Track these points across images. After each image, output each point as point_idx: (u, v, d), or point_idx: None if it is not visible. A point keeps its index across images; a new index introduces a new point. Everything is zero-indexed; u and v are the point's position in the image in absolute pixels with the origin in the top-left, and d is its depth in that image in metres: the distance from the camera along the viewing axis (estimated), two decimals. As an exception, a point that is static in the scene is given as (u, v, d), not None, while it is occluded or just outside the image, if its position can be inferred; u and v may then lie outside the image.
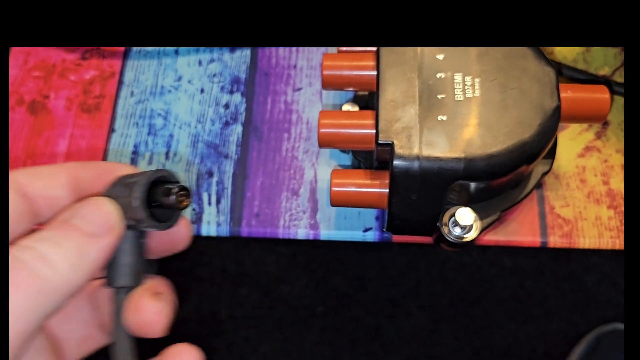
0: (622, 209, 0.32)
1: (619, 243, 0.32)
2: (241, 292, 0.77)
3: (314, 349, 0.75)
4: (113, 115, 0.36)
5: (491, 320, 0.76)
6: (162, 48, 0.37)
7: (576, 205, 0.32)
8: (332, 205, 0.29)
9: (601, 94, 0.29)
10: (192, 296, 0.77)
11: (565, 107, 0.28)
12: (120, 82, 0.37)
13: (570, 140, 0.34)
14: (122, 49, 0.38)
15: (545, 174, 0.31)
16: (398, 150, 0.27)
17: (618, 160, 0.33)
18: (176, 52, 0.37)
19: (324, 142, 0.29)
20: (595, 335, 0.72)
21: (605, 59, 0.35)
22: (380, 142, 0.27)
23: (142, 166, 0.35)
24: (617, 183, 0.33)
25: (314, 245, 0.78)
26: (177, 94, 0.36)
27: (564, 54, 0.35)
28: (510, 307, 0.76)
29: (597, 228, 0.32)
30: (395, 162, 0.27)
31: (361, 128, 0.28)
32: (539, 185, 0.32)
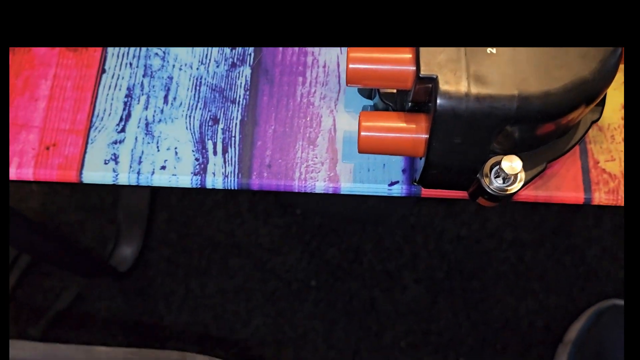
0: (673, 163, 0.29)
1: (669, 200, 0.29)
2: (232, 264, 0.74)
3: (307, 323, 0.72)
4: (103, 54, 0.32)
5: (489, 294, 0.73)
6: (158, -20, 0.33)
7: (622, 159, 0.29)
8: (360, 151, 0.26)
9: (667, 28, 0.26)
10: (179, 269, 0.73)
11: (628, 42, 0.25)
12: (110, 17, 0.32)
13: (614, 90, 0.31)
14: (112, -20, 0.33)
15: (594, 122, 0.28)
16: (443, 86, 0.23)
17: (667, 111, 0.30)
18: (174, -15, 0.33)
19: (354, 79, 0.25)
20: (595, 310, 0.70)
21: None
22: (422, 75, 0.23)
23: (137, 111, 0.31)
24: (667, 136, 0.30)
25: (308, 217, 0.75)
26: (176, 31, 0.32)
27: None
28: (509, 281, 0.74)
29: (646, 184, 0.29)
30: (440, 101, 0.23)
31: (398, 63, 0.25)
32: (583, 138, 0.29)
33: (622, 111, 0.30)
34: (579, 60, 0.24)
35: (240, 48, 0.32)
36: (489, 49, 0.24)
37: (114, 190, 0.75)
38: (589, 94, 0.24)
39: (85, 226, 0.76)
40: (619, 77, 0.31)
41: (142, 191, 0.75)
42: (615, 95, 0.31)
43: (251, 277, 0.73)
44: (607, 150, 0.30)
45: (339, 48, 0.32)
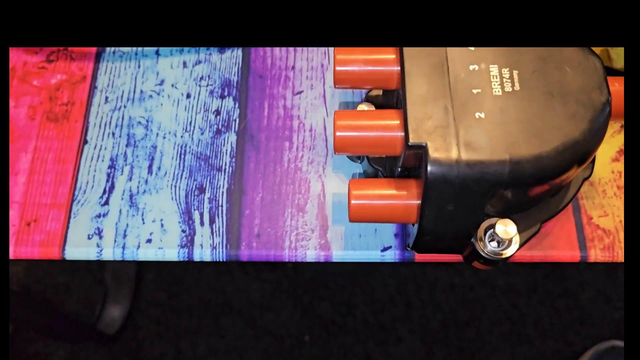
0: (666, 217, 0.29)
1: (666, 255, 0.28)
2: (223, 322, 0.72)
3: (301, 382, 0.70)
4: (85, 125, 0.31)
5: (485, 343, 0.72)
6: (139, 49, 0.33)
7: (615, 214, 0.29)
8: (352, 220, 0.25)
9: (652, 86, 0.26)
10: (169, 330, 0.71)
11: (615, 101, 0.25)
12: (92, 87, 0.32)
13: (603, 144, 0.31)
14: (93, 49, 0.33)
15: (585, 179, 0.28)
16: (433, 153, 0.23)
17: (656, 163, 0.30)
18: (157, 53, 0.33)
19: (341, 147, 0.25)
20: (594, 353, 0.69)
21: (631, 56, 0.33)
22: (411, 144, 0.23)
23: (121, 182, 0.30)
24: (658, 189, 0.29)
25: (300, 271, 0.74)
26: (160, 99, 0.32)
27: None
28: (504, 329, 0.73)
29: (641, 239, 0.28)
30: (430, 168, 0.23)
31: (386, 130, 0.24)
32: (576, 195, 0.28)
33: (612, 164, 0.30)
34: (568, 121, 0.24)
35: (225, 114, 0.31)
36: (477, 114, 0.24)
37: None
38: (581, 154, 0.24)
39: (72, 288, 0.74)
40: (607, 131, 0.31)
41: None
42: (604, 149, 0.31)
43: (243, 335, 0.71)
44: (600, 205, 0.29)
45: (324, 112, 0.31)
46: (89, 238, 0.29)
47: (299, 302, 0.73)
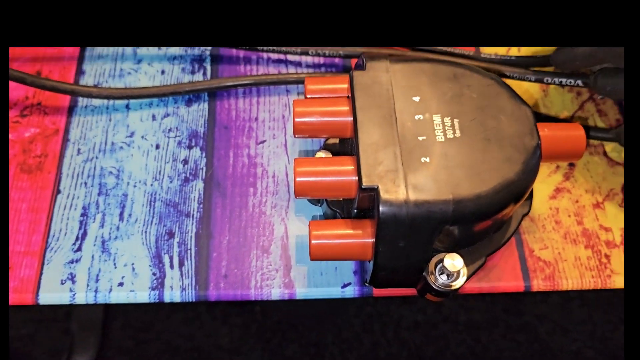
0: (599, 248, 0.32)
1: (600, 283, 0.31)
2: (190, 369, 0.71)
3: None
4: (58, 176, 0.33)
5: (451, 379, 0.73)
6: (110, 103, 0.35)
7: (554, 247, 0.32)
8: (312, 259, 0.27)
9: (577, 131, 0.29)
10: (136, 378, 0.71)
11: (544, 145, 0.28)
12: (65, 140, 0.34)
13: (541, 183, 0.34)
14: (66, 104, 0.35)
15: (525, 215, 0.30)
16: (384, 195, 0.25)
17: (588, 200, 0.33)
18: (127, 107, 0.35)
19: (301, 192, 0.27)
20: (554, 385, 0.71)
21: (563, 104, 0.36)
22: (364, 187, 0.25)
23: (93, 229, 0.31)
24: (591, 222, 0.32)
25: (267, 314, 0.74)
26: (130, 150, 0.34)
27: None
28: (469, 364, 0.74)
29: (577, 269, 0.31)
30: (382, 208, 0.25)
31: (342, 175, 0.27)
32: (517, 230, 0.31)
33: (550, 202, 0.33)
34: (504, 163, 0.26)
35: (192, 163, 0.33)
36: (423, 158, 0.26)
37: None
38: (516, 193, 0.26)
39: (37, 339, 0.73)
40: (543, 171, 0.34)
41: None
42: (541, 188, 0.33)
43: (211, 382, 0.71)
44: (540, 239, 0.32)
45: (286, 159, 0.34)
46: (62, 283, 0.30)
47: (267, 345, 0.73)
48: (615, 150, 0.35)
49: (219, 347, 0.73)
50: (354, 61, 0.37)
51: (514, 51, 0.37)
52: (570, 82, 0.33)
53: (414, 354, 0.74)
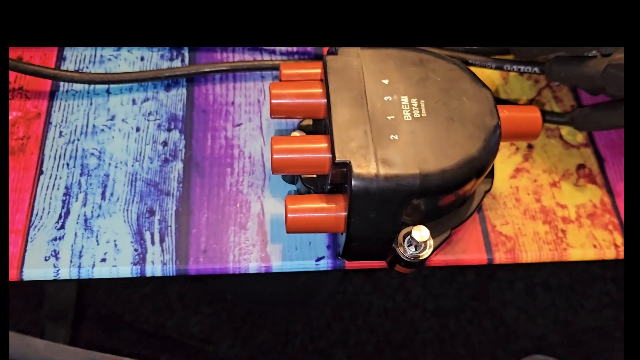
0: (556, 223, 0.34)
1: (557, 255, 0.33)
2: (164, 358, 0.72)
3: (245, 412, 0.71)
4: (40, 157, 0.34)
5: (420, 364, 0.76)
6: (91, 87, 0.36)
7: (515, 222, 0.34)
8: (288, 231, 0.29)
9: (534, 112, 0.31)
10: (109, 367, 0.71)
11: (504, 125, 0.30)
12: (47, 123, 0.35)
13: (502, 164, 0.36)
14: (47, 89, 0.36)
15: (487, 191, 0.33)
16: (356, 169, 0.27)
17: (546, 179, 0.35)
18: (107, 92, 0.36)
19: (278, 168, 0.29)
20: (518, 368, 0.74)
21: (522, 90, 0.39)
22: (337, 162, 0.27)
23: (76, 208, 0.32)
24: (548, 200, 0.35)
25: (238, 302, 0.76)
26: (111, 132, 0.35)
27: (487, 85, 0.38)
28: (436, 348, 0.77)
29: (536, 243, 0.33)
30: (354, 182, 0.27)
31: (316, 152, 0.28)
32: (480, 206, 0.33)
33: (510, 181, 0.35)
34: (467, 140, 0.29)
35: (172, 145, 0.35)
36: (392, 136, 0.28)
37: (39, 290, 0.73)
38: (478, 168, 0.29)
39: (6, 333, 0.73)
40: (504, 152, 0.36)
41: (68, 289, 0.74)
42: (502, 168, 0.36)
43: (185, 370, 0.72)
44: (502, 215, 0.34)
45: (262, 141, 0.35)
46: (45, 260, 0.31)
47: (238, 333, 0.75)
48: (570, 134, 0.37)
49: (190, 336, 0.74)
50: (325, 50, 0.38)
51: (477, 41, 0.40)
52: (528, 70, 0.35)
53: (383, 340, 0.76)
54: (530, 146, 0.37)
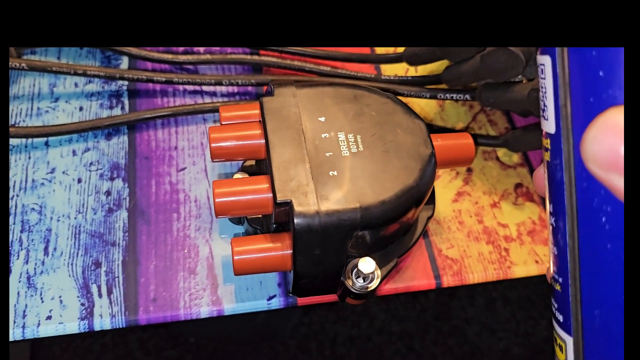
0: (499, 243, 0.35)
1: (502, 274, 0.34)
2: (127, 408, 0.70)
3: None
4: (-22, 216, 0.33)
5: (389, 389, 0.76)
6: (29, 141, 0.36)
7: (459, 245, 0.35)
8: (236, 274, 0.29)
9: (466, 139, 0.32)
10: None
11: (438, 153, 0.31)
12: (-17, 181, 0.34)
13: (443, 189, 0.37)
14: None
15: (429, 218, 0.33)
16: (297, 207, 0.27)
17: (486, 200, 0.37)
18: (46, 144, 0.36)
19: (221, 211, 0.29)
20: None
21: (458, 116, 0.40)
22: (278, 202, 0.27)
23: (17, 266, 0.32)
24: (490, 220, 0.36)
25: (202, 344, 0.74)
26: (52, 186, 0.34)
27: (423, 114, 0.39)
28: (404, 372, 0.77)
29: (481, 263, 0.34)
30: (296, 220, 0.27)
31: (257, 193, 0.29)
32: (425, 232, 0.34)
33: (453, 205, 0.36)
34: (404, 171, 0.29)
35: (115, 194, 0.34)
36: (331, 172, 0.29)
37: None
38: (417, 197, 0.29)
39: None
40: (445, 178, 0.37)
41: (20, 350, 0.71)
42: (444, 193, 0.37)
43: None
44: (447, 239, 0.35)
45: (207, 184, 0.35)
46: (-12, 323, 0.30)
47: (205, 376, 0.73)
48: (506, 155, 0.39)
49: (155, 383, 0.72)
50: (265, 89, 0.39)
51: (412, 71, 0.41)
52: (460, 97, 0.37)
53: (351, 368, 0.76)
54: (469, 170, 0.38)
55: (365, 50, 0.42)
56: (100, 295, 0.31)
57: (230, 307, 0.32)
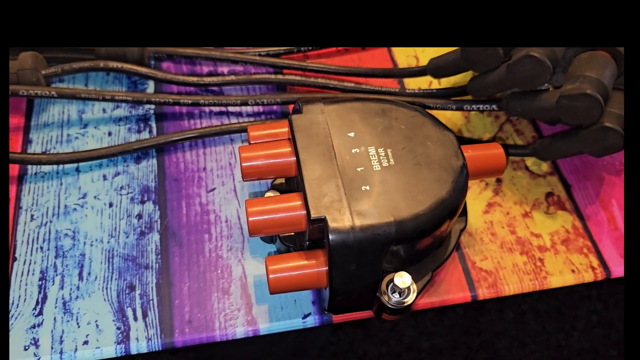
0: (533, 253, 0.35)
1: (538, 284, 0.34)
2: None
3: None
4: (13, 243, 0.33)
5: (420, 407, 0.75)
6: (60, 167, 0.36)
7: (493, 257, 0.34)
8: (272, 293, 0.29)
9: (496, 149, 0.32)
10: None
11: (469, 164, 0.30)
12: (17, 208, 0.34)
13: (474, 200, 0.37)
14: (15, 173, 0.36)
15: (462, 230, 0.33)
16: (332, 223, 0.27)
17: (517, 210, 0.36)
18: (77, 170, 0.36)
19: (255, 230, 0.29)
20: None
21: (484, 127, 0.40)
22: (312, 218, 0.27)
23: (53, 292, 0.32)
24: (523, 230, 0.35)
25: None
26: (84, 211, 0.35)
27: (449, 126, 0.39)
28: (435, 389, 0.76)
29: (516, 274, 0.34)
30: (332, 236, 0.27)
31: (291, 211, 0.29)
32: (458, 244, 0.34)
33: (484, 216, 0.36)
34: (436, 183, 0.29)
35: (147, 217, 0.34)
36: (363, 187, 0.28)
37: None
38: (450, 209, 0.29)
39: None
40: (475, 189, 0.37)
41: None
42: (475, 204, 0.36)
43: None
44: (480, 251, 0.35)
45: (237, 204, 0.35)
46: (25, 349, 0.30)
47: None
48: (535, 164, 0.38)
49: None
50: (291, 107, 0.39)
51: (435, 84, 0.41)
52: (487, 107, 0.37)
53: (382, 386, 0.75)
54: (499, 180, 0.37)
55: (388, 64, 0.42)
56: (135, 319, 0.31)
57: (265, 326, 0.31)
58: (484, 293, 0.33)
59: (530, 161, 0.38)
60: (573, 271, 0.34)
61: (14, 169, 0.36)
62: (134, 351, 0.30)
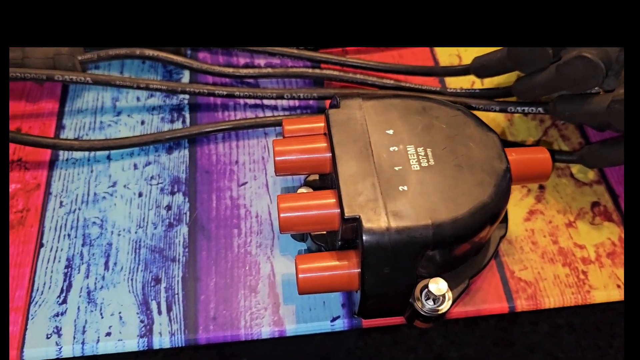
0: (576, 265, 0.33)
1: (581, 299, 0.32)
2: None
3: None
4: (40, 229, 0.33)
5: (445, 418, 0.73)
6: (91, 154, 0.35)
7: (534, 267, 0.33)
8: (300, 293, 0.28)
9: (543, 153, 0.30)
10: None
11: (513, 168, 0.29)
12: (47, 194, 0.34)
13: (514, 206, 0.35)
14: (46, 158, 0.35)
15: (502, 237, 0.31)
16: (366, 224, 0.26)
17: (561, 219, 0.34)
18: (108, 158, 0.36)
19: (286, 227, 0.28)
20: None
21: (528, 131, 0.38)
22: (346, 217, 0.26)
23: (78, 280, 0.31)
24: (565, 241, 0.34)
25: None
26: (113, 200, 0.34)
27: (492, 127, 0.38)
28: (462, 401, 0.74)
29: (557, 287, 0.32)
30: (365, 237, 0.26)
31: (324, 208, 0.28)
32: (497, 252, 0.32)
33: (525, 224, 0.34)
34: (477, 187, 0.28)
35: (176, 209, 0.34)
36: (400, 187, 0.27)
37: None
38: (491, 214, 0.28)
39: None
40: (516, 195, 0.35)
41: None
42: (515, 211, 0.35)
43: None
44: (520, 260, 0.33)
45: (268, 199, 0.34)
46: (47, 337, 0.29)
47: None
48: (580, 172, 0.36)
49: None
50: (327, 102, 0.38)
51: (478, 84, 0.39)
52: (532, 110, 0.35)
53: (407, 395, 0.73)
54: (541, 187, 0.36)
55: (429, 62, 0.40)
56: (159, 313, 0.30)
57: (292, 327, 0.30)
58: (522, 305, 0.32)
59: (575, 168, 0.36)
60: (618, 286, 0.32)
61: (45, 154, 0.36)
62: (156, 346, 0.30)
